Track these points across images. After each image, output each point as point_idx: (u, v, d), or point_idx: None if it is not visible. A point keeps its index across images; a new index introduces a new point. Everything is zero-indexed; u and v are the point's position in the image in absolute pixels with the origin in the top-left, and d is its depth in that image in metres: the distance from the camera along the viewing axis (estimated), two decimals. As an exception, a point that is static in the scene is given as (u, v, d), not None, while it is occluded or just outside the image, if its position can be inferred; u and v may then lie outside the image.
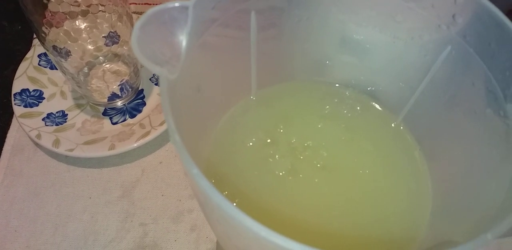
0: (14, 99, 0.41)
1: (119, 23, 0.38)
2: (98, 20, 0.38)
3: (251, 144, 0.27)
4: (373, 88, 0.28)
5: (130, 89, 0.43)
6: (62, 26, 0.37)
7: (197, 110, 0.24)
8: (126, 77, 0.42)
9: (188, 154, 0.15)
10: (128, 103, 0.43)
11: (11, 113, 0.43)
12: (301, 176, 0.25)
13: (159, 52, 0.18)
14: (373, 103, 0.28)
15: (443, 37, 0.22)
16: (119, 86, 0.42)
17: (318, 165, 0.25)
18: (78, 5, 0.36)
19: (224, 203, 0.14)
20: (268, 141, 0.27)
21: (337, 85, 0.29)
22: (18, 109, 0.41)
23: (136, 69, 0.42)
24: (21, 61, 0.44)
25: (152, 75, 0.45)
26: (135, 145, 0.39)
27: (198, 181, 0.14)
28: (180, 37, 0.19)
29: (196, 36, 0.20)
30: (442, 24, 0.22)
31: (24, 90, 0.42)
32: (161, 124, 0.41)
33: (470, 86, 0.21)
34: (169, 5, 0.18)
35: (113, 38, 0.39)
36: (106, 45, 0.40)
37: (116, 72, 0.42)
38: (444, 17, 0.21)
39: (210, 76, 0.24)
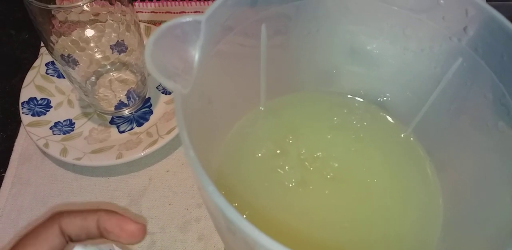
0: (22, 108, 0.42)
1: (127, 33, 0.38)
2: (106, 30, 0.38)
3: (260, 154, 0.27)
4: (382, 99, 0.28)
5: (137, 98, 0.43)
6: (70, 35, 0.37)
7: (207, 121, 0.24)
8: (133, 86, 0.42)
9: (203, 170, 0.15)
10: (135, 112, 0.44)
11: (18, 122, 0.43)
12: (311, 187, 0.25)
13: (172, 67, 0.18)
14: (383, 114, 0.28)
15: (453, 49, 0.22)
16: (126, 95, 0.42)
17: (328, 176, 0.25)
18: (86, 15, 0.36)
19: (240, 222, 0.14)
20: (278, 151, 0.27)
21: (346, 96, 0.29)
22: (25, 118, 0.41)
23: (143, 78, 0.42)
24: (28, 69, 0.44)
25: (159, 84, 0.45)
26: (143, 153, 0.39)
27: (214, 199, 0.14)
28: (193, 51, 0.19)
29: (207, 50, 0.20)
30: (453, 36, 0.22)
31: (31, 99, 0.43)
32: (168, 133, 0.41)
33: (481, 98, 0.21)
34: (182, 19, 0.18)
35: (120, 47, 0.40)
36: (114, 54, 0.40)
37: (123, 81, 0.42)
38: (455, 29, 0.21)
39: (221, 88, 0.24)
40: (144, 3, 0.53)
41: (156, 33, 0.18)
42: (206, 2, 0.53)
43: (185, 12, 0.53)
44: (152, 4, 0.53)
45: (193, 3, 0.53)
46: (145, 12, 0.52)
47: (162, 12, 0.52)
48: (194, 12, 0.53)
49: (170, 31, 0.18)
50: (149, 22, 0.51)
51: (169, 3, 0.53)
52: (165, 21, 0.52)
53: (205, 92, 0.22)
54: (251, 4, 0.22)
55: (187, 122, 0.16)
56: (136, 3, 0.53)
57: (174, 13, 0.53)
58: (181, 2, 0.53)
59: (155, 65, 0.17)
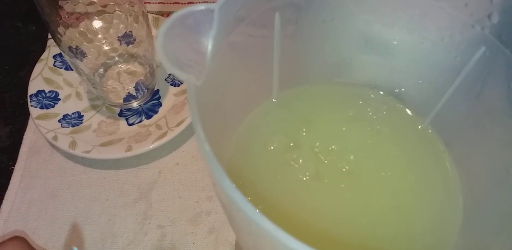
0: (30, 101, 0.41)
1: (135, 24, 0.38)
2: (114, 21, 0.37)
3: (273, 147, 0.26)
4: (399, 90, 0.27)
5: (145, 90, 0.42)
6: (78, 27, 0.37)
7: (219, 114, 0.23)
8: (142, 78, 0.41)
9: (219, 164, 0.14)
10: (144, 104, 0.43)
11: (27, 115, 0.43)
12: (326, 181, 0.24)
13: (184, 58, 0.17)
14: (399, 105, 0.27)
15: (476, 38, 0.21)
16: (135, 87, 0.41)
17: (344, 170, 0.25)
18: (94, 6, 0.36)
19: (259, 219, 0.13)
20: (291, 144, 0.26)
21: (361, 87, 0.28)
22: (34, 111, 0.41)
23: (152, 70, 0.42)
24: (36, 62, 0.44)
25: (168, 76, 0.45)
26: (152, 146, 0.39)
27: (231, 194, 0.14)
28: (205, 42, 0.18)
29: (220, 40, 0.19)
30: (476, 24, 0.21)
31: (40, 92, 0.42)
32: (178, 125, 0.40)
33: (505, 89, 0.21)
34: (194, 8, 0.17)
35: (129, 38, 0.39)
36: (122, 45, 0.39)
37: (132, 73, 0.42)
38: (478, 16, 0.21)
39: (233, 79, 0.23)
40: (152, -6, 0.52)
41: (167, 23, 0.17)
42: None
43: (193, 3, 0.52)
44: (160, -6, 0.52)
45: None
46: (153, 3, 0.52)
47: (170, 3, 0.52)
48: (202, 2, 0.52)
49: (182, 21, 0.17)
50: (158, 13, 0.50)
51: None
52: (173, 12, 0.51)
53: (218, 84, 0.21)
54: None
55: (201, 115, 0.16)
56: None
57: (182, 3, 0.52)
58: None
59: (167, 56, 0.16)
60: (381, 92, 0.28)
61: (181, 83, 0.44)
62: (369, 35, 0.26)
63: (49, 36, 0.48)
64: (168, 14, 0.51)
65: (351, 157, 0.25)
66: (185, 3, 0.52)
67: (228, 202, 0.15)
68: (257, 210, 0.13)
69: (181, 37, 0.17)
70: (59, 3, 0.33)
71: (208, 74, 0.18)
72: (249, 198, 0.24)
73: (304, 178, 0.25)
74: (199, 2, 0.52)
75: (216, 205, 0.39)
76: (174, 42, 0.17)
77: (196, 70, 0.17)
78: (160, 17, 0.46)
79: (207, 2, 0.52)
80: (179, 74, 0.16)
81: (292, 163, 0.25)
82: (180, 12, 0.17)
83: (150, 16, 0.45)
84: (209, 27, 0.18)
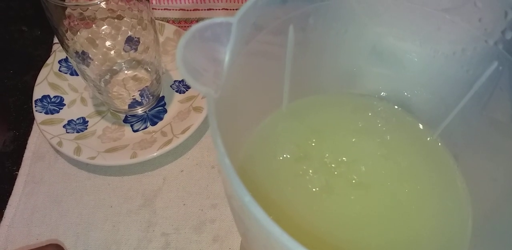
0: (35, 106, 0.41)
1: (143, 31, 0.38)
2: (122, 27, 0.37)
3: (282, 158, 0.26)
4: (408, 102, 0.27)
5: (151, 97, 0.42)
6: (86, 32, 0.37)
7: (231, 124, 0.23)
8: (148, 85, 0.41)
9: (239, 179, 0.14)
10: (149, 111, 0.43)
11: (31, 120, 0.43)
12: (336, 192, 0.24)
13: (203, 70, 0.17)
14: (409, 117, 0.27)
15: (489, 53, 0.21)
16: (140, 93, 0.41)
17: (353, 181, 0.25)
18: (103, 12, 0.36)
19: (280, 234, 0.13)
20: (301, 155, 0.26)
21: (370, 98, 0.28)
22: (39, 116, 0.41)
23: (158, 77, 0.42)
24: (41, 66, 0.44)
25: (173, 82, 0.45)
26: (157, 153, 0.39)
27: (252, 210, 0.14)
28: (223, 54, 0.18)
29: (236, 52, 0.19)
30: (489, 39, 0.21)
31: (45, 97, 0.42)
32: (183, 132, 0.40)
33: (517, 104, 0.21)
34: (213, 21, 0.17)
35: (136, 45, 0.39)
36: (129, 52, 0.39)
37: (137, 80, 0.42)
38: (492, 32, 0.21)
39: (246, 90, 0.23)
40: (157, 0, 0.52)
41: (186, 36, 0.17)
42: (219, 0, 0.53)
43: (199, 10, 0.52)
44: (166, 1, 0.52)
45: (206, 0, 0.52)
46: (158, 10, 0.52)
47: (176, 10, 0.52)
48: (207, 9, 0.52)
49: (201, 33, 0.17)
50: (162, 19, 0.50)
51: (188, 0, 0.52)
52: (178, 18, 0.51)
53: (231, 95, 0.21)
54: (281, 2, 0.21)
55: (220, 127, 0.16)
56: (155, 1, 0.52)
57: (187, 10, 0.52)
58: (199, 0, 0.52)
59: (187, 69, 0.16)
60: (391, 104, 0.28)
61: (186, 90, 0.44)
62: (381, 48, 0.26)
63: (55, 41, 0.48)
64: (173, 20, 0.51)
65: (361, 169, 0.25)
66: (191, 10, 0.52)
67: (247, 217, 0.15)
68: (279, 227, 0.13)
69: (200, 50, 0.17)
70: (68, 9, 0.33)
71: (223, 86, 0.18)
72: (260, 209, 0.24)
73: (314, 189, 0.25)
74: (204, 9, 0.52)
75: (221, 213, 0.38)
76: (193, 55, 0.17)
77: (214, 83, 0.17)
78: (166, 24, 0.46)
79: (212, 9, 0.53)
80: (200, 88, 0.16)
81: (302, 173, 0.25)
82: (199, 25, 0.17)
83: (156, 22, 0.45)
84: (227, 40, 0.18)
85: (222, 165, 0.15)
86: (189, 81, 0.16)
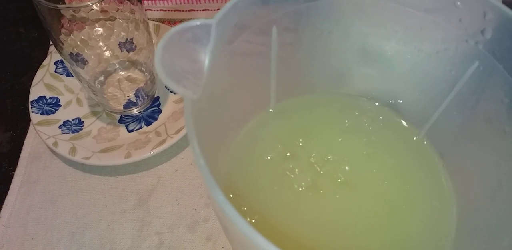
0: (32, 107, 0.42)
1: (136, 32, 0.38)
2: (115, 29, 0.38)
3: (269, 157, 0.26)
4: (394, 101, 0.27)
5: (146, 97, 0.43)
6: (80, 34, 0.37)
7: (216, 125, 0.24)
8: (142, 85, 0.42)
9: (213, 179, 0.14)
10: (144, 111, 0.43)
11: (28, 121, 0.44)
12: (321, 191, 0.25)
13: (182, 71, 0.18)
14: (395, 116, 0.27)
15: (470, 52, 0.21)
16: (135, 94, 0.42)
17: (339, 180, 0.25)
18: (96, 13, 0.36)
19: (251, 233, 0.13)
20: (288, 154, 0.26)
21: (357, 98, 0.28)
22: (35, 117, 0.41)
23: (152, 77, 0.42)
24: (37, 68, 0.44)
25: (168, 83, 0.45)
26: (151, 153, 0.39)
27: (224, 209, 0.14)
28: (203, 56, 0.18)
29: (217, 53, 0.20)
30: (470, 39, 0.21)
31: (41, 98, 0.43)
32: (177, 132, 0.40)
33: (499, 103, 0.21)
34: (192, 23, 0.18)
35: (130, 46, 0.39)
36: (123, 53, 0.40)
37: (132, 80, 0.42)
38: (472, 31, 0.21)
39: (231, 90, 0.23)
40: (153, 1, 0.52)
41: (165, 38, 0.17)
42: (215, 0, 0.53)
43: (194, 10, 0.52)
44: (161, 2, 0.52)
45: (202, 1, 0.53)
46: (154, 10, 0.52)
47: (172, 10, 0.52)
48: (203, 10, 0.52)
49: (180, 35, 0.18)
50: (158, 20, 0.51)
51: (178, 1, 0.52)
52: (174, 19, 0.52)
53: (214, 96, 0.22)
54: (262, 3, 0.21)
55: (197, 128, 0.16)
56: (145, 2, 0.52)
57: (183, 11, 0.52)
58: (190, 0, 0.53)
59: (165, 71, 0.16)
60: (377, 104, 0.28)
61: (181, 90, 0.44)
62: (367, 47, 0.26)
63: (51, 42, 0.49)
64: (169, 21, 0.51)
65: (347, 168, 0.25)
66: (186, 11, 0.52)
67: (223, 215, 0.15)
68: (250, 225, 0.14)
69: (179, 52, 0.18)
70: (61, 11, 0.34)
71: (205, 86, 0.19)
72: (245, 208, 0.24)
73: (300, 189, 0.25)
74: (200, 10, 0.52)
75: (214, 212, 0.39)
76: (173, 57, 0.17)
77: (193, 84, 0.18)
78: (161, 24, 0.47)
79: (208, 9, 0.53)
80: (177, 89, 0.16)
81: (288, 173, 0.26)
82: (178, 27, 0.18)
83: (150, 23, 0.46)
84: (207, 42, 0.18)
85: (198, 165, 0.15)
86: (166, 81, 0.16)
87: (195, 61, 0.18)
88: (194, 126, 0.16)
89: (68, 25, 0.35)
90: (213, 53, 0.19)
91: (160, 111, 0.43)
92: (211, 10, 0.53)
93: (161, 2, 0.52)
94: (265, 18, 0.22)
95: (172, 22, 0.51)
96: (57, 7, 0.32)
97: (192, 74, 0.18)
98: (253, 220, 0.23)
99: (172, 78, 0.17)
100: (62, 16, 0.34)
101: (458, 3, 0.20)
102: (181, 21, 0.51)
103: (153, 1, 0.52)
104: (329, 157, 0.26)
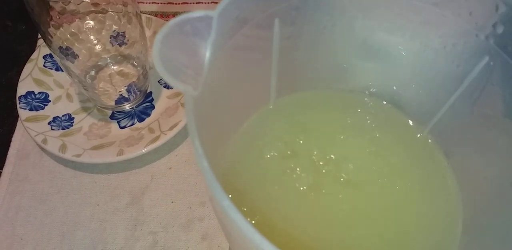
0: (19, 102, 0.40)
1: (128, 25, 0.37)
2: (106, 21, 0.36)
3: (269, 156, 0.26)
4: (398, 98, 0.26)
5: (138, 92, 0.42)
6: (69, 27, 0.36)
7: (215, 122, 0.23)
8: (135, 80, 0.41)
9: (218, 182, 0.13)
10: (136, 107, 0.42)
11: (15, 117, 0.42)
12: (324, 191, 0.24)
13: (182, 66, 0.16)
14: (398, 113, 0.27)
15: (480, 47, 0.21)
16: (127, 89, 0.41)
17: (342, 180, 0.24)
18: (86, 6, 0.35)
19: (259, 241, 0.12)
20: (288, 152, 0.25)
21: (359, 94, 0.27)
22: (23, 113, 0.40)
23: (145, 72, 0.41)
24: (25, 62, 0.43)
25: (161, 78, 0.44)
26: (144, 150, 0.38)
27: (230, 214, 0.13)
28: (204, 49, 0.17)
29: (218, 47, 0.18)
30: (480, 33, 0.20)
31: (29, 93, 0.41)
32: (171, 128, 0.39)
33: (508, 99, 0.20)
34: (192, 15, 0.17)
35: (121, 39, 0.38)
36: (114, 46, 0.38)
37: (124, 75, 0.41)
38: (483, 26, 0.20)
39: (230, 86, 0.22)
40: (145, -7, 0.51)
41: (163, 30, 0.16)
42: (209, -7, 0.51)
43: (187, 3, 0.51)
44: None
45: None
46: (146, 3, 0.51)
47: (164, 3, 0.51)
48: (196, 3, 0.51)
49: (179, 28, 0.17)
50: (150, 13, 0.49)
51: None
52: (166, 12, 0.50)
53: (214, 91, 0.21)
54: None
55: (198, 128, 0.15)
56: (137, -7, 0.51)
57: (176, 3, 0.51)
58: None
59: (164, 65, 0.15)
60: (381, 100, 0.27)
61: (175, 86, 0.43)
62: (370, 42, 0.25)
63: (39, 35, 0.47)
64: (161, 15, 0.50)
65: (349, 166, 0.25)
66: (179, 3, 0.51)
67: (227, 221, 0.14)
68: (260, 233, 0.13)
69: (179, 45, 0.17)
70: (50, 3, 0.32)
71: (205, 82, 0.17)
72: (245, 209, 0.23)
73: (302, 188, 0.24)
74: (194, 3, 0.51)
75: (209, 211, 0.38)
76: (171, 50, 0.16)
77: (193, 79, 0.17)
78: (153, 17, 0.45)
79: (201, 2, 0.52)
80: (177, 85, 0.15)
81: (289, 172, 0.25)
82: (177, 19, 0.17)
83: (143, 16, 0.44)
84: (207, 35, 0.17)
85: (200, 167, 0.14)
86: (166, 78, 0.15)
87: (195, 56, 0.17)
88: (196, 124, 0.15)
89: (58, 17, 0.34)
90: (214, 47, 0.18)
91: (153, 107, 0.42)
92: (204, 3, 0.51)
93: (153, -6, 0.51)
94: (267, 11, 0.21)
95: (165, 15, 0.50)
96: (45, -2, 0.30)
97: (192, 69, 0.17)
98: (253, 221, 0.22)
99: (171, 73, 0.16)
100: (51, 8, 0.33)
101: (469, -5, 0.19)
102: (174, 14, 0.50)
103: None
104: (331, 155, 0.25)
